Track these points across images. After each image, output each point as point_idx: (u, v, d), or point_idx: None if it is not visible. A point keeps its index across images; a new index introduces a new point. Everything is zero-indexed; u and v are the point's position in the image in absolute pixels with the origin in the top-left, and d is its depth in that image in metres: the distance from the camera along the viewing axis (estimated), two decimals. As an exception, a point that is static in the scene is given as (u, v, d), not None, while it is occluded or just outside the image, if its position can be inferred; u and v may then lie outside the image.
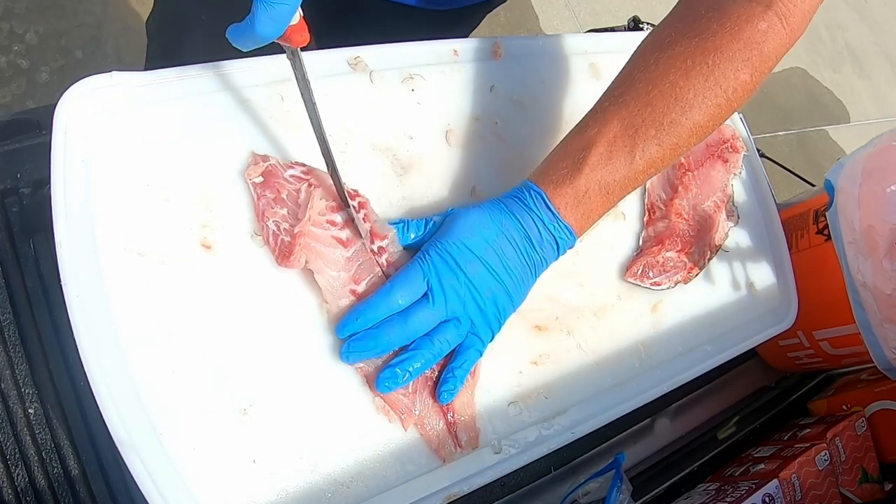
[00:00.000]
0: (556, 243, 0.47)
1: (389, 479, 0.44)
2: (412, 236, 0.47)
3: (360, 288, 0.45)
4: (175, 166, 0.44)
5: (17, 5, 1.24)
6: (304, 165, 0.47)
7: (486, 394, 0.49)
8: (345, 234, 0.46)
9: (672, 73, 0.46)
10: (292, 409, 0.42)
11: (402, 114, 0.53)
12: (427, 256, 0.45)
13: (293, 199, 0.45)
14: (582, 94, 0.63)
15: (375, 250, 0.46)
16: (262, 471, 0.40)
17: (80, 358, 0.38)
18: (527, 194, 0.47)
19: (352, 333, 0.43)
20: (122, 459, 0.37)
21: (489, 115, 0.57)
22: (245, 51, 0.41)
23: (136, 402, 0.38)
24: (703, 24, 0.46)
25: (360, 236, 0.46)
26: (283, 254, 0.44)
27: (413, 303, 0.44)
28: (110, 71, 0.43)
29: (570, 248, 0.48)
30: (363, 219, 0.46)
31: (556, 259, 0.48)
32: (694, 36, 0.46)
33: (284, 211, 0.44)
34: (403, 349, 0.44)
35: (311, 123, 0.44)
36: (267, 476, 0.40)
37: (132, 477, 0.37)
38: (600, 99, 0.49)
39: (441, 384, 0.45)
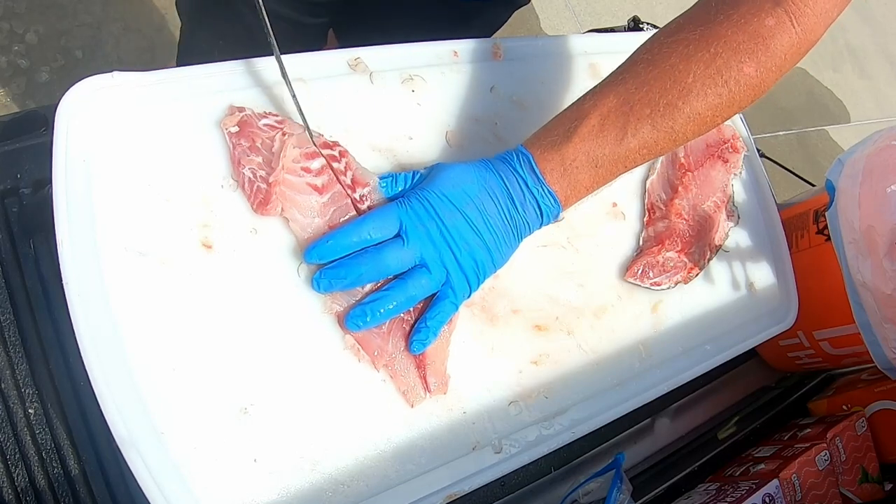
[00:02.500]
0: (540, 209, 0.47)
1: (390, 478, 0.44)
2: (400, 189, 0.47)
3: None
4: (176, 166, 0.44)
5: (17, 5, 1.24)
6: (277, 115, 0.47)
7: (487, 393, 0.49)
8: (320, 180, 0.46)
9: (673, 57, 0.46)
10: (293, 408, 0.42)
11: (403, 114, 0.53)
12: (405, 200, 0.45)
13: (267, 148, 0.45)
14: (582, 93, 0.62)
15: (358, 198, 0.46)
16: (263, 470, 0.41)
17: (81, 357, 0.38)
18: (514, 156, 0.47)
19: (320, 260, 0.44)
20: (123, 458, 0.37)
21: (489, 115, 0.57)
22: None
23: (136, 401, 0.38)
24: (710, 16, 0.47)
25: (337, 182, 0.46)
26: (261, 202, 0.44)
27: (386, 240, 0.44)
28: (111, 71, 0.43)
29: (556, 218, 0.48)
30: (345, 167, 0.47)
31: (540, 227, 0.48)
32: (700, 24, 0.46)
33: (259, 159, 0.45)
34: (376, 290, 0.45)
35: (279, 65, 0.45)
36: (267, 475, 0.41)
37: (133, 476, 0.37)
38: (603, 79, 0.49)
39: (413, 333, 0.45)
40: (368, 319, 0.44)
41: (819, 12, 0.46)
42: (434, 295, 0.46)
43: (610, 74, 0.49)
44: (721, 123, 0.49)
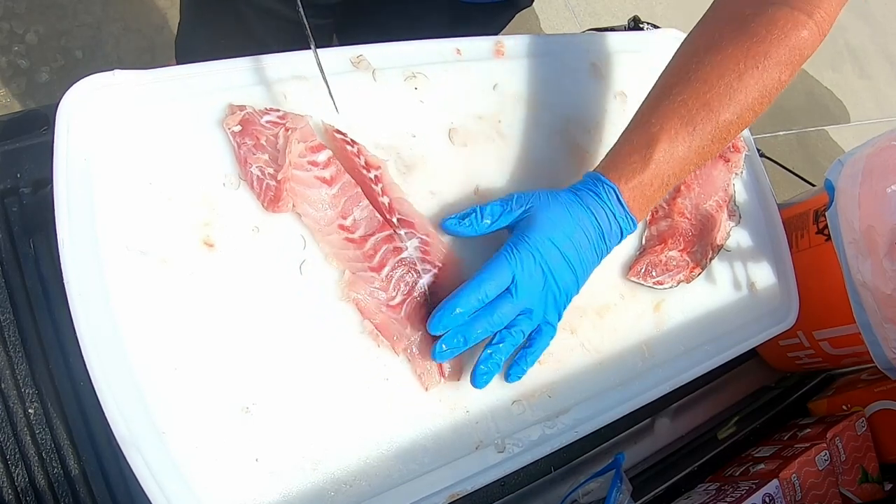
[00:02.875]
0: (622, 233, 0.50)
1: (392, 478, 0.44)
2: (487, 222, 0.49)
3: (348, 222, 0.46)
4: (177, 165, 0.44)
5: (17, 5, 1.24)
6: (278, 111, 0.47)
7: (490, 392, 0.49)
8: (328, 172, 0.46)
9: (728, 76, 0.50)
10: (295, 408, 0.42)
11: (405, 112, 0.53)
12: (515, 251, 0.46)
13: (272, 145, 0.45)
14: (583, 93, 0.63)
15: (372, 178, 0.47)
16: (265, 469, 0.40)
17: (82, 356, 0.38)
18: (601, 188, 0.49)
19: (445, 329, 0.45)
20: (124, 458, 0.37)
21: (492, 113, 0.57)
22: None
23: (138, 401, 0.38)
24: (751, 29, 0.50)
25: (345, 173, 0.47)
26: (271, 200, 0.44)
27: (497, 296, 0.46)
28: (112, 70, 0.43)
29: (630, 234, 0.51)
30: (357, 152, 0.47)
31: (616, 246, 0.51)
32: (744, 40, 0.50)
33: (266, 156, 0.45)
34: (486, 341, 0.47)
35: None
36: (269, 474, 0.40)
37: (133, 476, 0.37)
38: (656, 93, 0.52)
39: (512, 366, 0.48)
40: (492, 374, 0.46)
41: (835, 17, 0.52)
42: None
43: (664, 88, 0.52)
44: None
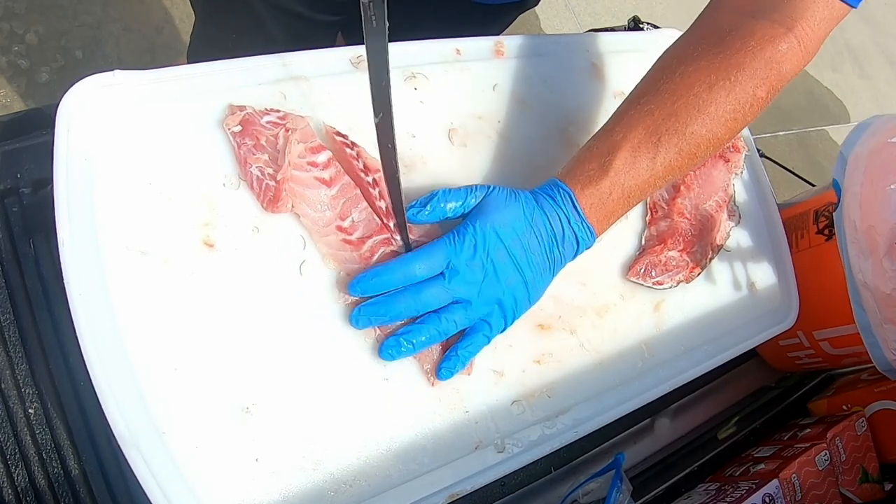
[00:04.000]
0: (577, 242, 0.48)
1: (392, 478, 0.44)
2: (450, 206, 0.47)
3: (346, 223, 0.46)
4: (177, 165, 0.44)
5: (17, 5, 1.24)
6: (279, 111, 0.47)
7: (490, 392, 0.49)
8: (327, 173, 0.46)
9: (696, 87, 0.48)
10: (295, 408, 0.42)
11: (405, 112, 0.53)
12: (455, 237, 0.45)
13: (272, 145, 0.45)
14: (583, 93, 0.63)
15: (370, 182, 0.47)
16: (265, 469, 0.40)
17: (82, 356, 0.38)
18: (557, 193, 0.48)
19: (363, 294, 0.44)
20: (124, 458, 0.37)
21: (492, 113, 0.57)
22: None
23: (138, 401, 0.38)
24: (727, 41, 0.49)
25: (345, 174, 0.47)
26: (271, 200, 0.44)
27: (429, 278, 0.45)
28: (113, 70, 0.43)
29: (588, 248, 0.49)
30: (356, 155, 0.47)
31: (573, 259, 0.49)
32: (719, 52, 0.49)
33: (265, 157, 0.45)
34: (411, 321, 0.45)
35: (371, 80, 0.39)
36: (269, 474, 0.40)
37: (133, 476, 0.37)
38: (625, 103, 0.51)
39: (443, 360, 0.46)
40: (402, 350, 0.45)
41: (821, 35, 0.50)
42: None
43: (633, 98, 0.50)
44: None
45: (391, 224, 0.47)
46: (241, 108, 0.45)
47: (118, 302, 0.39)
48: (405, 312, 0.44)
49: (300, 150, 0.45)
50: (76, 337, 0.38)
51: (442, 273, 0.45)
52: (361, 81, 0.52)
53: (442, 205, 0.47)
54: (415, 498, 0.44)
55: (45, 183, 0.45)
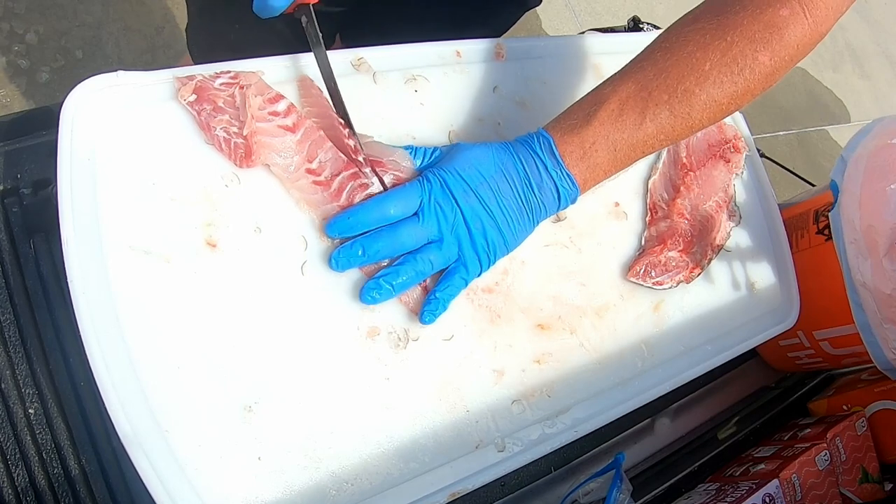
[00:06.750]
0: (558, 191, 0.48)
1: (393, 477, 0.44)
2: (417, 163, 0.48)
3: (314, 165, 0.47)
4: (180, 165, 0.44)
5: (17, 5, 1.24)
6: (229, 72, 0.47)
7: (490, 392, 0.49)
8: (290, 120, 0.47)
9: (690, 45, 0.47)
10: (297, 407, 0.43)
11: (406, 115, 0.53)
12: (425, 179, 0.46)
13: (230, 105, 0.46)
14: (584, 93, 0.62)
15: (341, 122, 0.48)
16: (267, 468, 0.41)
17: (83, 356, 0.38)
18: (535, 139, 0.48)
19: (340, 235, 0.45)
20: (125, 458, 0.37)
21: (492, 115, 0.57)
22: (264, 18, 0.45)
23: (141, 400, 0.38)
24: (726, 7, 0.48)
25: (306, 119, 0.47)
26: (243, 157, 0.45)
27: (403, 218, 0.46)
28: (115, 70, 0.44)
29: (573, 202, 0.49)
30: (326, 101, 0.48)
31: (557, 210, 0.49)
32: (716, 14, 0.47)
33: (227, 117, 0.45)
34: (390, 263, 0.46)
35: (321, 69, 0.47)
36: (271, 473, 0.41)
37: (134, 475, 0.37)
38: (621, 69, 0.50)
39: (424, 304, 0.47)
40: (382, 291, 0.45)
41: (830, 5, 0.48)
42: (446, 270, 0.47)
43: (628, 63, 0.50)
44: (735, 111, 0.50)
45: (359, 158, 0.47)
46: (191, 77, 0.45)
47: (121, 301, 0.40)
48: (382, 251, 0.45)
49: (259, 103, 0.46)
50: (76, 337, 0.38)
51: (416, 213, 0.46)
52: (363, 83, 0.52)
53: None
54: (416, 496, 0.44)
55: (45, 183, 0.45)
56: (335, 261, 0.45)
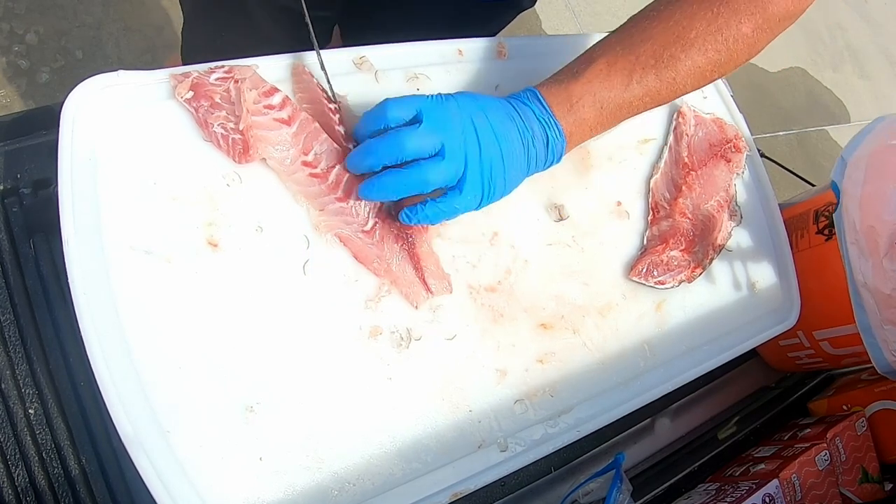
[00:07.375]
0: (547, 139, 0.48)
1: (396, 477, 0.44)
2: (401, 113, 0.46)
3: (310, 157, 0.47)
4: (182, 164, 0.44)
5: (17, 5, 1.24)
6: (223, 66, 0.47)
7: (492, 392, 0.49)
8: (285, 113, 0.47)
9: (677, 14, 0.49)
10: (299, 407, 0.42)
11: (407, 113, 0.53)
12: (423, 94, 0.46)
13: (227, 100, 0.46)
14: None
15: (332, 108, 0.48)
16: (269, 468, 0.41)
17: (83, 356, 0.38)
18: (524, 93, 0.49)
19: (361, 161, 0.45)
20: (125, 458, 0.37)
21: (493, 114, 0.57)
22: None
23: (142, 400, 0.38)
24: None
25: (301, 111, 0.47)
26: (241, 152, 0.45)
27: (404, 124, 0.45)
28: (116, 70, 0.43)
29: (559, 157, 0.49)
30: (318, 84, 0.49)
31: (546, 162, 0.49)
32: None
33: (223, 112, 0.45)
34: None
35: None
36: (273, 473, 0.41)
37: (134, 475, 0.37)
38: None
39: (408, 207, 0.46)
40: (377, 187, 0.45)
41: None
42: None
43: (616, 29, 0.51)
44: (718, 78, 0.52)
45: (350, 146, 0.48)
46: (186, 74, 0.45)
47: (122, 301, 0.40)
48: (386, 153, 0.44)
49: (254, 97, 0.46)
50: (76, 337, 0.38)
51: (416, 118, 0.45)
52: (364, 82, 0.52)
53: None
54: (418, 497, 0.44)
55: (45, 183, 0.45)
56: (348, 161, 0.46)
